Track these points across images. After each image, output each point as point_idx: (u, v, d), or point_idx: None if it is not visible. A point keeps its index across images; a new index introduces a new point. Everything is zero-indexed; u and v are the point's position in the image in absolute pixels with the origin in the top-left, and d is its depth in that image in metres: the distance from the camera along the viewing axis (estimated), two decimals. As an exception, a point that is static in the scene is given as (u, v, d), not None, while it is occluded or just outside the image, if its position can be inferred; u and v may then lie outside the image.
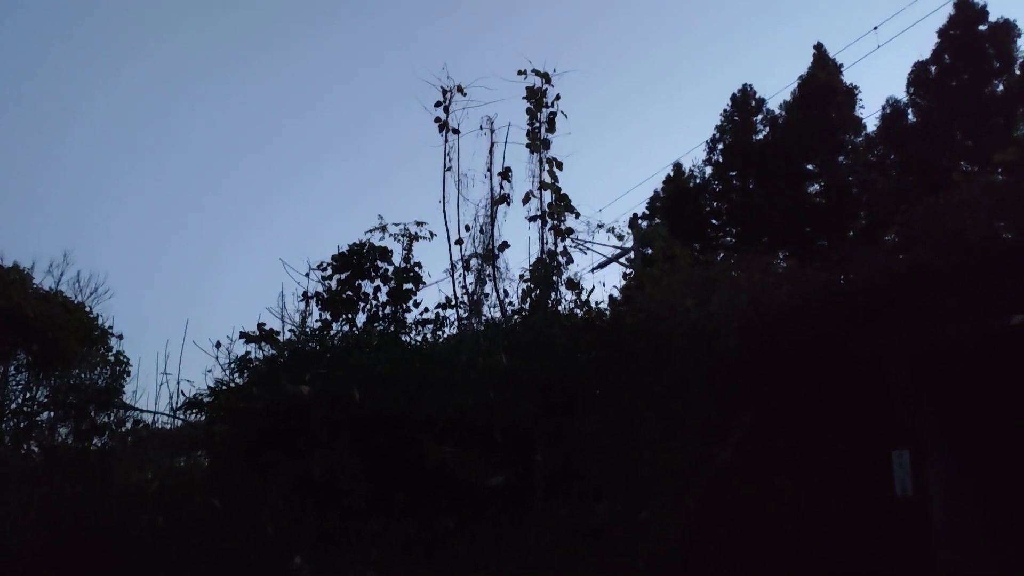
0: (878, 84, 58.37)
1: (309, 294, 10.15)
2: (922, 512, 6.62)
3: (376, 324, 10.00)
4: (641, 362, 7.91)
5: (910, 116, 23.75)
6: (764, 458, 7.14)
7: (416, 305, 10.23)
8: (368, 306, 10.13)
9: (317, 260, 10.36)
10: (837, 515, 6.75)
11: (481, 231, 9.56)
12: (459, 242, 9.70)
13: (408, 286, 10.22)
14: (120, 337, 13.50)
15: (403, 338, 9.84)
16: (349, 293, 10.20)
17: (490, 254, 9.50)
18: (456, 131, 9.71)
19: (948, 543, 6.64)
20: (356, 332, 9.86)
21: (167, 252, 49.51)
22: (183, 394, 9.32)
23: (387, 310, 10.07)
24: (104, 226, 49.68)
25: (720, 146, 28.49)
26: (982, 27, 22.73)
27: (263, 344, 9.23)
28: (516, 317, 9.52)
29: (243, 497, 7.75)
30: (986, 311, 6.26)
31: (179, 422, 9.83)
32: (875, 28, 20.20)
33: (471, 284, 9.63)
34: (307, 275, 10.29)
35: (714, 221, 28.14)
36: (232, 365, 9.08)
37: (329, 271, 10.31)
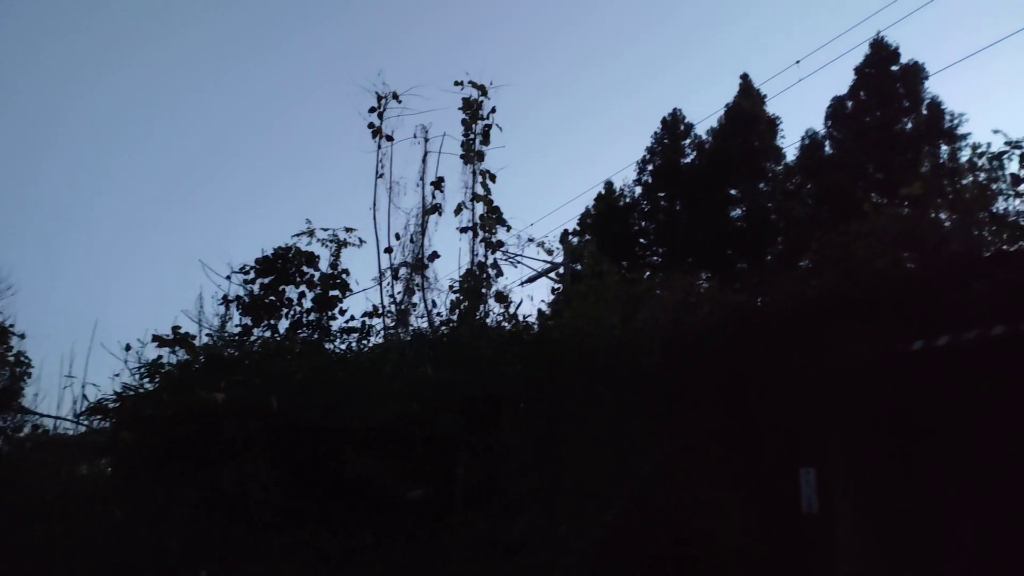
0: (798, 116, 61.34)
1: (229, 298, 9.80)
2: (828, 528, 6.89)
3: (299, 331, 9.73)
4: (566, 377, 7.98)
5: (827, 148, 25.00)
6: (682, 474, 7.30)
7: (342, 313, 10.02)
8: (292, 312, 9.85)
9: (240, 263, 10.02)
10: (750, 530, 6.95)
11: (411, 240, 9.47)
12: (388, 250, 9.59)
13: (334, 293, 10.00)
14: (22, 336, 12.62)
15: (327, 346, 9.61)
16: (272, 298, 9.89)
17: (420, 264, 9.42)
18: (390, 138, 9.61)
19: (850, 557, 6.94)
20: (278, 338, 9.57)
21: (78, 249, 46.98)
22: (88, 399, 8.80)
23: (311, 317, 9.81)
24: (8, 219, 46.76)
25: (650, 167, 29.28)
26: (894, 67, 24.20)
27: (177, 348, 8.82)
28: (444, 328, 9.46)
29: (148, 508, 7.38)
30: (890, 336, 6.60)
31: (83, 428, 9.28)
32: (797, 62, 21.19)
33: (399, 293, 9.52)
34: (228, 278, 9.93)
35: (642, 240, 28.83)
36: (142, 370, 8.64)
37: (252, 275, 9.98)
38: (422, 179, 9.54)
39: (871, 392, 6.83)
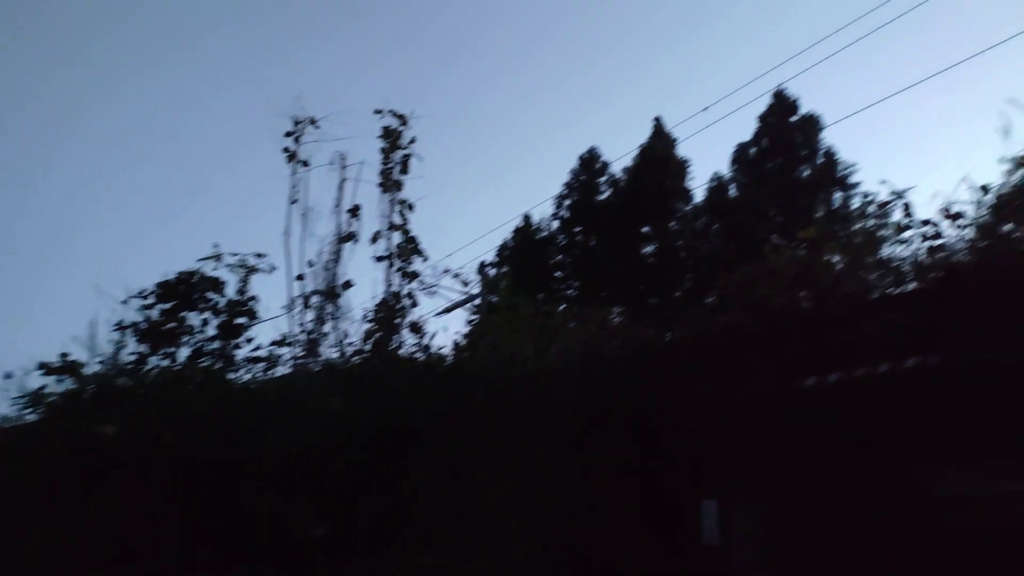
0: (707, 159, 64.17)
1: (125, 324, 9.26)
2: (728, 560, 7.09)
3: (201, 360, 9.30)
4: (480, 409, 7.94)
5: (732, 191, 26.31)
6: (592, 506, 7.36)
7: (248, 341, 9.66)
8: (193, 340, 9.41)
9: (140, 288, 9.50)
10: (656, 562, 7.06)
11: (325, 268, 9.27)
12: (300, 278, 9.34)
13: (241, 320, 9.64)
14: None
15: (231, 376, 9.21)
16: (173, 324, 9.43)
17: (333, 292, 9.21)
18: (306, 163, 9.43)
19: (750, 588, 7.15)
20: (177, 367, 9.11)
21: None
22: (-42, 431, 8.09)
23: (215, 345, 9.40)
24: None
25: (567, 203, 29.94)
26: (794, 118, 25.86)
27: (65, 377, 8.25)
28: (356, 358, 9.26)
29: (26, 548, 6.81)
30: (787, 372, 6.93)
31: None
32: (705, 108, 22.31)
33: (310, 322, 9.27)
34: (125, 303, 9.40)
35: (558, 273, 29.32)
36: (23, 399, 8.02)
37: (152, 299, 9.49)
38: (338, 206, 9.39)
39: (770, 425, 7.12)
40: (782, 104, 25.73)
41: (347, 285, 9.28)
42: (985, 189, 6.43)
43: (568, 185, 29.84)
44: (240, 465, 7.14)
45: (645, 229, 27.38)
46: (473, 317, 11.25)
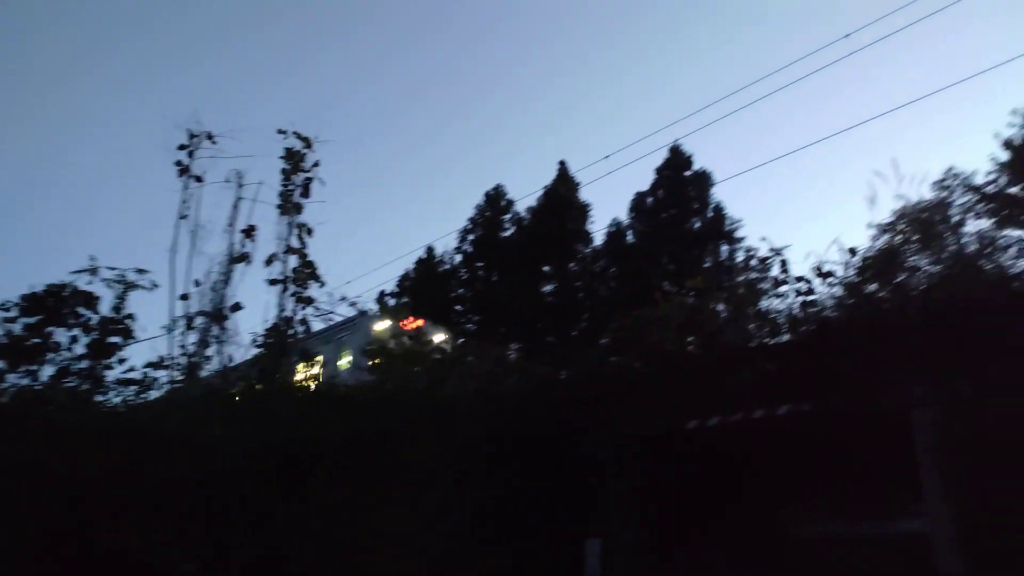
0: (607, 205, 66.50)
1: (-18, 337, 8.44)
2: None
3: (66, 380, 8.58)
4: (370, 440, 7.74)
5: (629, 237, 27.33)
6: (482, 543, 7.28)
7: (121, 362, 9.01)
8: (59, 358, 8.68)
9: (4, 300, 8.71)
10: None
11: (213, 288, 8.83)
12: (185, 297, 8.84)
13: (115, 340, 8.99)
14: None
15: (99, 398, 8.55)
16: (37, 340, 8.68)
17: (220, 314, 8.78)
18: (199, 179, 9.02)
19: (630, 627, 7.25)
20: (38, 386, 8.37)
21: None
22: None
23: (83, 364, 8.71)
24: None
25: (471, 237, 30.13)
26: (688, 172, 27.30)
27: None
28: (241, 384, 8.83)
29: None
30: (673, 414, 7.19)
31: None
32: (607, 156, 23.25)
33: (192, 344, 8.77)
34: (-13, 316, 8.58)
35: (458, 306, 29.31)
36: None
37: (16, 312, 8.71)
38: (231, 225, 9.00)
39: (655, 465, 7.33)
40: (678, 158, 27.15)
41: (236, 307, 8.87)
42: (853, 251, 7.02)
43: (473, 220, 30.09)
44: (106, 495, 6.60)
45: (546, 268, 27.90)
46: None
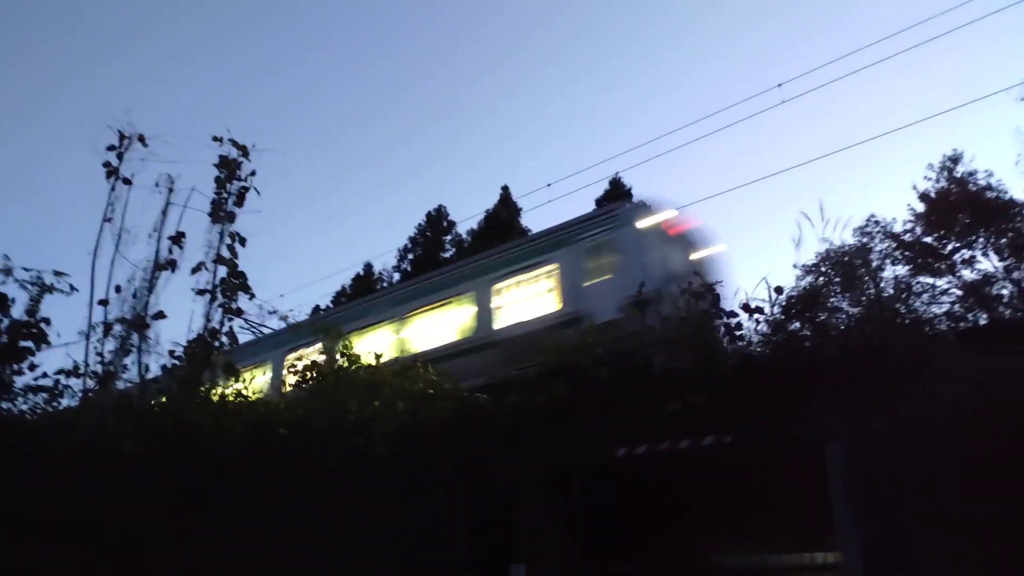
0: (549, 231, 67.18)
1: None
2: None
3: (-32, 384, 8.06)
4: (293, 461, 7.52)
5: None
6: (402, 570, 7.13)
7: (33, 368, 8.51)
8: (-37, 361, 8.14)
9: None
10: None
11: (135, 295, 8.46)
12: (105, 303, 8.44)
13: (27, 344, 8.50)
14: None
15: (5, 405, 8.05)
16: (-61, 342, 8.13)
17: (141, 322, 8.41)
18: (128, 181, 8.67)
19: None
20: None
21: None
22: None
23: (-10, 368, 8.20)
24: None
25: (411, 256, 29.92)
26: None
27: None
28: (159, 396, 8.46)
29: None
30: (601, 442, 7.24)
31: None
32: (548, 184, 23.49)
33: (110, 352, 8.37)
34: None
35: (394, 326, 28.95)
36: None
37: (-83, 312, 8.15)
38: (159, 231, 8.68)
39: (581, 492, 7.36)
40: (618, 190, 27.73)
41: (159, 316, 8.52)
42: (779, 290, 7.28)
43: (413, 239, 29.94)
44: (5, 512, 6.18)
45: (484, 291, 28.01)
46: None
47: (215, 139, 8.77)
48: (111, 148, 8.61)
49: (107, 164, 8.62)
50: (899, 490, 5.41)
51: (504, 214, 28.85)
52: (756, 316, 7.25)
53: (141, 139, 8.61)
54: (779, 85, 16.55)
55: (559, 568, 7.79)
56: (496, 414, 7.83)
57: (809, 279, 7.81)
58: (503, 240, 28.29)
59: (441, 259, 28.98)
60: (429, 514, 7.22)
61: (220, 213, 8.63)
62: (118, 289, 8.42)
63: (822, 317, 7.01)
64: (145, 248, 8.67)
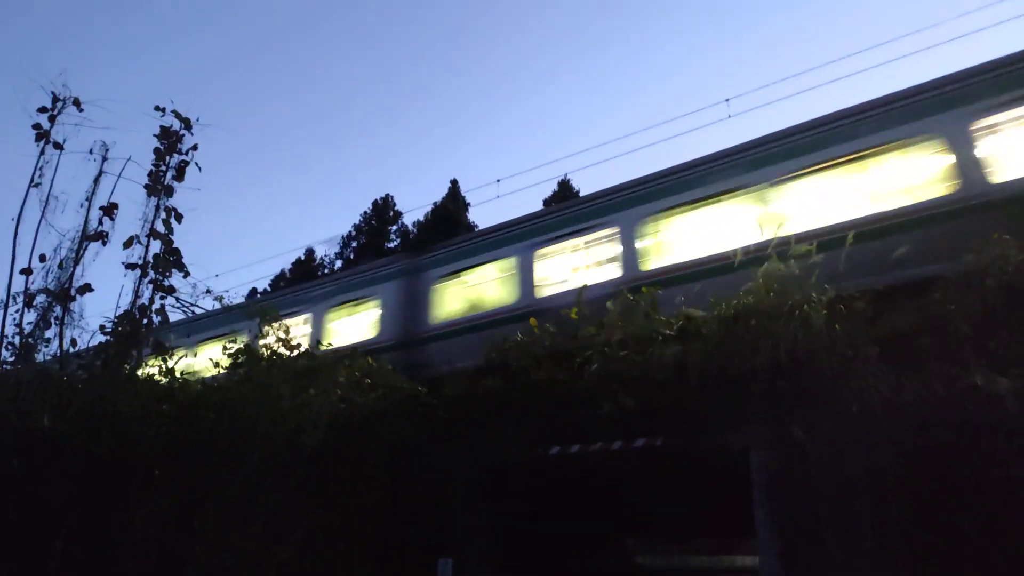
0: (496, 228, 67.22)
1: None
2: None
3: None
4: (220, 445, 7.33)
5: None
6: (326, 560, 7.03)
7: (-59, 336, 8.03)
8: None
9: None
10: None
11: (60, 266, 8.08)
12: (27, 272, 8.04)
13: (-63, 310, 8.01)
14: None
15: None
16: None
17: (65, 294, 8.03)
18: (59, 146, 8.27)
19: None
20: None
21: None
22: None
23: None
24: None
25: (355, 243, 29.49)
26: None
27: None
28: (81, 372, 8.10)
29: None
30: (535, 440, 7.31)
31: None
32: (498, 181, 23.53)
33: (31, 324, 7.97)
34: None
35: (333, 313, 28.52)
36: None
37: None
38: (90, 200, 8.30)
39: (512, 488, 7.42)
40: (565, 192, 27.97)
41: (85, 289, 8.16)
42: (715, 302, 7.46)
43: (358, 227, 29.51)
44: None
45: (427, 283, 27.86)
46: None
47: (157, 109, 8.44)
48: (42, 110, 8.20)
49: (37, 126, 8.20)
50: (816, 498, 5.64)
51: (452, 208, 28.74)
52: (694, 324, 7.41)
53: (76, 103, 8.23)
54: (727, 100, 16.93)
55: (487, 564, 7.83)
56: (433, 406, 7.82)
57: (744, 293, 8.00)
58: (450, 235, 28.29)
59: (385, 249, 28.68)
60: (359, 503, 7.15)
61: (157, 186, 8.30)
62: (42, 258, 8.03)
63: (757, 331, 7.21)
64: (74, 217, 8.29)
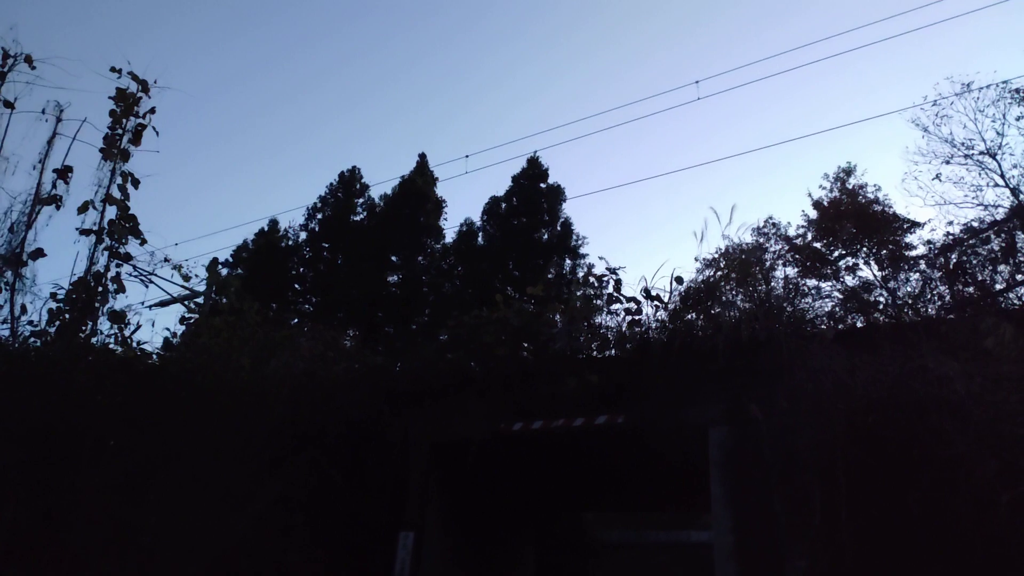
0: (462, 203, 67.03)
1: None
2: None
3: None
4: (176, 416, 7.21)
5: (480, 239, 27.64)
6: (284, 531, 7.00)
7: None
8: None
9: None
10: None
11: (11, 230, 7.82)
12: (-25, 235, 7.78)
13: None
14: None
15: None
16: None
17: (17, 259, 7.79)
18: (10, 104, 7.97)
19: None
20: None
21: None
22: None
23: None
24: None
25: (319, 216, 29.06)
26: (543, 184, 28.08)
27: None
28: (34, 340, 7.89)
29: None
30: (497, 415, 7.34)
31: None
32: (466, 156, 23.33)
33: (-22, 289, 7.72)
34: None
35: (297, 285, 28.12)
36: None
37: None
38: (43, 162, 8.03)
39: (474, 463, 7.44)
40: (535, 169, 27.86)
41: (38, 254, 7.92)
42: (680, 280, 7.57)
43: (323, 199, 29.02)
44: None
45: (393, 258, 27.50)
46: (191, 316, 10.20)
47: (113, 70, 8.18)
48: (-8, 66, 7.88)
49: (-13, 83, 7.89)
50: (768, 474, 5.77)
51: (420, 182, 28.44)
52: (655, 303, 7.51)
53: (28, 60, 7.92)
54: (696, 82, 16.88)
55: (447, 536, 7.88)
56: (396, 380, 7.79)
57: (708, 272, 8.13)
58: (417, 210, 28.04)
59: (351, 223, 28.32)
60: (319, 475, 7.11)
61: (113, 150, 8.06)
62: (-9, 221, 7.77)
63: (716, 310, 7.33)
64: (26, 180, 8.04)
